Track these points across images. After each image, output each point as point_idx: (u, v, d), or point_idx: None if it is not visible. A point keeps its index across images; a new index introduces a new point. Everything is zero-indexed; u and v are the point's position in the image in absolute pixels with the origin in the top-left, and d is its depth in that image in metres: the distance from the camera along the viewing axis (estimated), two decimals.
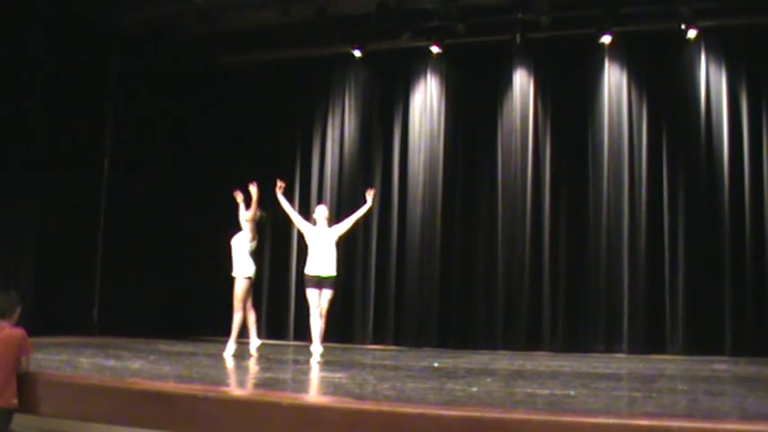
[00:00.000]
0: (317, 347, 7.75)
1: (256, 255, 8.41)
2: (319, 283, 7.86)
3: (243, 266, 8.12)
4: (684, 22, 10.23)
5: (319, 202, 12.23)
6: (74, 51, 10.74)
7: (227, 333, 8.24)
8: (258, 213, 8.24)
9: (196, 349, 9.32)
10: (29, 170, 10.27)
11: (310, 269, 7.91)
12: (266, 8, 10.88)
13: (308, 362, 7.62)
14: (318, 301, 7.83)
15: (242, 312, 8.06)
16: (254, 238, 8.20)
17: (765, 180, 10.25)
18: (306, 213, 12.49)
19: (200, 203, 12.62)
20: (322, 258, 7.90)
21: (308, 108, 12.63)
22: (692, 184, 10.57)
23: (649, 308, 10.46)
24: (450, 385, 5.73)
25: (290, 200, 12.41)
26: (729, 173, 10.36)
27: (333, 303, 8.04)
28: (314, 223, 8.16)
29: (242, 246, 8.18)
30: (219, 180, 12.69)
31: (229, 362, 7.53)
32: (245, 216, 8.24)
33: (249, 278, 8.12)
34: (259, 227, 8.42)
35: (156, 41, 11.78)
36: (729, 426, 3.68)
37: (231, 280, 8.20)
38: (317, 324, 7.80)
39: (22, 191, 10.20)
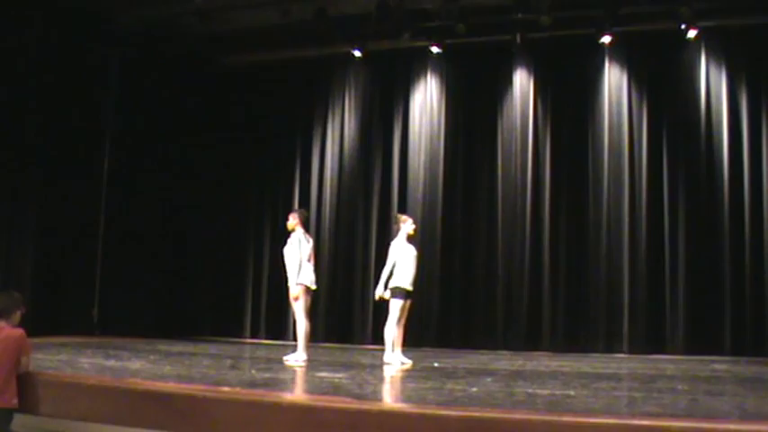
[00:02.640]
0: (399, 356, 7.68)
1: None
2: (409, 295, 7.76)
3: (293, 273, 7.74)
4: (684, 22, 10.24)
5: (319, 202, 12.27)
6: (74, 51, 10.74)
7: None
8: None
9: (196, 349, 9.31)
10: (28, 170, 10.27)
11: (406, 282, 7.71)
12: (266, 8, 10.88)
13: (308, 362, 7.61)
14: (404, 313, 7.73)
15: (307, 320, 7.72)
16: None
17: (765, 180, 10.25)
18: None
19: (199, 203, 12.63)
20: (413, 272, 7.80)
21: (308, 108, 12.63)
22: (692, 183, 10.58)
23: (649, 308, 10.46)
24: (450, 385, 5.73)
25: (290, 201, 12.57)
26: (729, 173, 10.37)
27: None
28: (407, 238, 7.89)
29: (291, 251, 7.84)
30: (219, 179, 12.74)
31: (297, 369, 7.23)
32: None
33: (302, 284, 7.68)
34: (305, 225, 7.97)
35: (156, 41, 11.78)
36: (729, 426, 3.68)
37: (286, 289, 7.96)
38: (396, 333, 7.69)
39: (22, 191, 10.20)
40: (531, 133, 11.33)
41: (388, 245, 8.03)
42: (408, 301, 7.79)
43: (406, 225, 7.93)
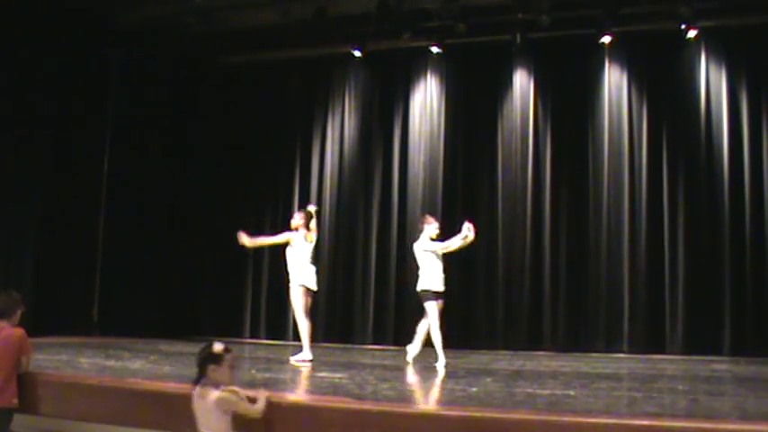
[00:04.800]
0: (441, 358, 7.66)
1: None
2: (439, 296, 7.78)
3: (295, 274, 7.81)
4: (684, 22, 10.23)
5: (319, 202, 12.22)
6: (73, 51, 10.73)
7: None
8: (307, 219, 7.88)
9: (196, 349, 9.28)
10: (28, 170, 10.25)
11: (433, 284, 7.76)
12: (266, 8, 10.86)
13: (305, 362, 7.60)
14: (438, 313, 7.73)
15: (307, 320, 7.73)
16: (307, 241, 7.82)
17: (765, 180, 10.25)
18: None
19: (199, 203, 12.63)
20: (441, 273, 7.83)
21: (308, 108, 12.62)
22: (692, 183, 10.57)
23: (649, 308, 10.45)
24: (450, 385, 5.73)
25: (290, 200, 12.57)
26: (729, 173, 10.36)
27: None
28: (430, 240, 7.90)
29: (292, 252, 7.86)
30: (219, 179, 12.74)
31: (302, 369, 7.23)
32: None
33: (302, 286, 7.75)
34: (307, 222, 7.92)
35: (156, 41, 11.77)
36: (729, 426, 3.68)
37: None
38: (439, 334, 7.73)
39: (22, 191, 10.19)
40: (531, 133, 11.32)
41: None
42: (440, 302, 7.75)
43: (431, 227, 7.91)
